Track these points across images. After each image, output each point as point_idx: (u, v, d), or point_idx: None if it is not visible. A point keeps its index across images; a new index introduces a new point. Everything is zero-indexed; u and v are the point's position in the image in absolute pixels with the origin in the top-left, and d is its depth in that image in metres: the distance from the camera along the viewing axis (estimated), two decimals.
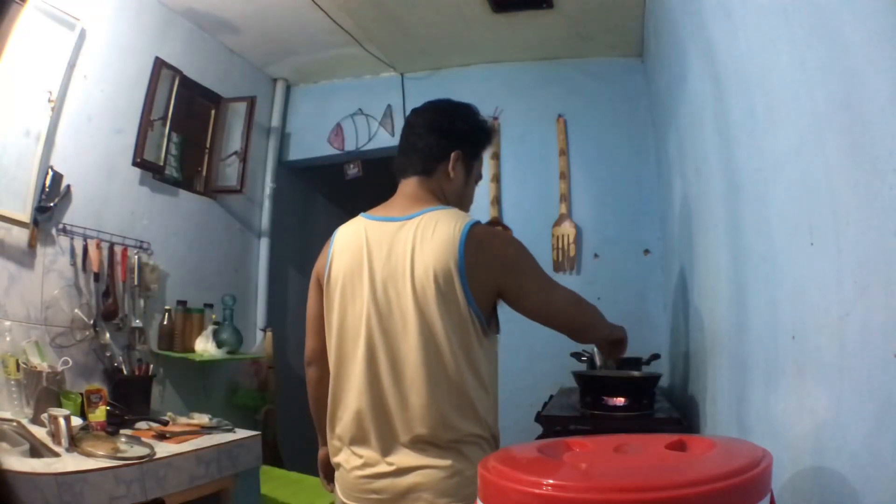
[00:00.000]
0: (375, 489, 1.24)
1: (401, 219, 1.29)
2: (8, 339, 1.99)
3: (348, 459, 1.29)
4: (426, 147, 1.37)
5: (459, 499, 1.19)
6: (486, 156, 1.51)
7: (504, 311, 1.34)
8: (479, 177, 1.48)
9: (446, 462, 1.21)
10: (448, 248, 1.22)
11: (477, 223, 1.27)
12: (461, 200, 1.43)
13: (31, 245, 2.13)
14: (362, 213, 1.38)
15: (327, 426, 1.35)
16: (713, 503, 0.59)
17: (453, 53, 3.34)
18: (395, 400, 1.23)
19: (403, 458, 1.22)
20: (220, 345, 2.76)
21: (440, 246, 1.22)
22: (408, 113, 1.57)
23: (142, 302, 2.57)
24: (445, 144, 1.37)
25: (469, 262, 1.22)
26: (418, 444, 1.22)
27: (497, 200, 3.26)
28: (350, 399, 1.27)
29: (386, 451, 1.24)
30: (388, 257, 1.26)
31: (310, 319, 1.43)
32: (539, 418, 1.95)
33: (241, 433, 2.18)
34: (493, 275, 1.25)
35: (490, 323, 1.29)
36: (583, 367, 2.35)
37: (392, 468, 1.23)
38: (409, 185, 1.37)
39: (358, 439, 1.26)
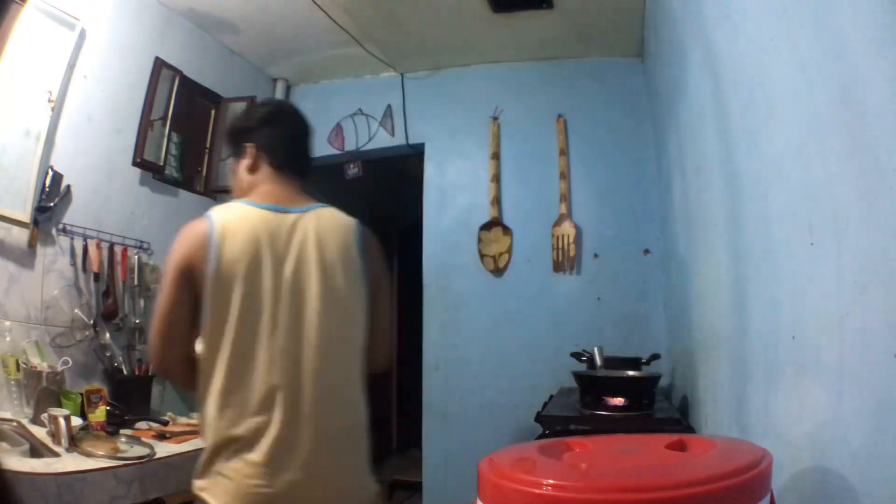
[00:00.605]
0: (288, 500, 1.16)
1: (295, 210, 1.34)
2: (8, 339, 1.99)
3: (241, 465, 1.16)
4: (310, 161, 1.49)
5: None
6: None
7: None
8: None
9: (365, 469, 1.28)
10: (349, 235, 1.36)
11: None
12: None
13: (31, 245, 2.13)
14: (241, 200, 1.34)
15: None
16: (713, 503, 0.59)
17: (453, 53, 3.34)
18: (312, 391, 1.21)
19: (318, 459, 1.19)
20: None
21: (342, 233, 1.35)
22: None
23: (142, 302, 2.57)
24: None
25: (362, 247, 1.36)
26: (337, 438, 1.24)
27: (497, 200, 3.26)
28: (256, 396, 1.18)
29: (311, 454, 1.18)
30: (287, 244, 1.29)
31: (175, 322, 1.26)
32: (539, 418, 1.95)
33: None
34: (373, 262, 1.38)
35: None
36: (583, 367, 2.35)
37: (304, 475, 1.17)
38: (293, 182, 1.41)
39: (271, 442, 1.16)
